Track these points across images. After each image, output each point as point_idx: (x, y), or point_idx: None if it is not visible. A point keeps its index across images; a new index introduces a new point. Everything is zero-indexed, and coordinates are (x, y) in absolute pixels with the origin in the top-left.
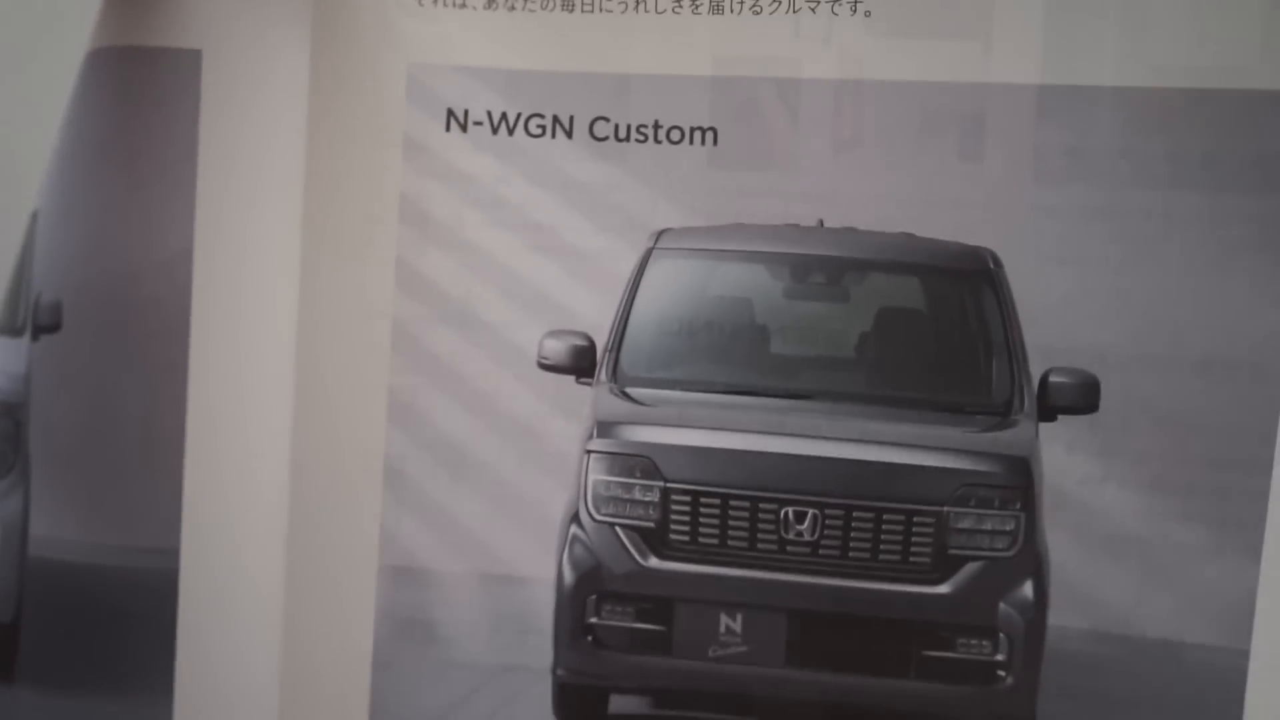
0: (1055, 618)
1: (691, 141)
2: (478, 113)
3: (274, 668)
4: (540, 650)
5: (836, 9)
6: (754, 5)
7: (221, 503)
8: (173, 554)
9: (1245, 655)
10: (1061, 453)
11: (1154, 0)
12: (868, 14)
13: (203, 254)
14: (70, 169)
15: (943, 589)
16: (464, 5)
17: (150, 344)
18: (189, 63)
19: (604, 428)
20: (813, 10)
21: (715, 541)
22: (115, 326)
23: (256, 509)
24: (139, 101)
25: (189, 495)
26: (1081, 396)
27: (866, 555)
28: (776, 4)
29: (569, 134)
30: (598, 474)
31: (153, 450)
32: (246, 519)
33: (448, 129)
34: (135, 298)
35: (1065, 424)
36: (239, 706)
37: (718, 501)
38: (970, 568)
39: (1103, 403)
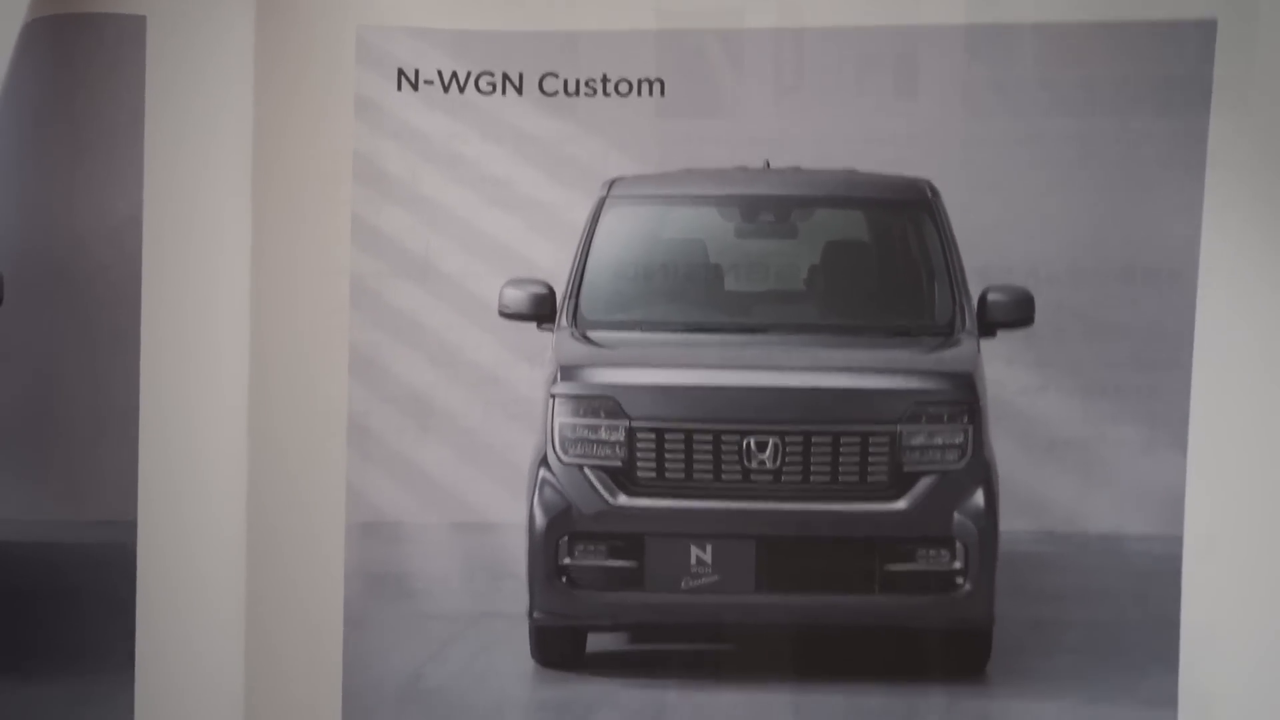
0: (1006, 523)
1: (640, 93)
2: (428, 72)
3: (239, 637)
4: (515, 595)
5: None
6: None
7: (179, 470)
8: (129, 526)
9: (1179, 542)
10: (1002, 366)
11: None
12: None
13: (152, 220)
14: (11, 141)
15: (900, 504)
16: None
17: (100, 313)
18: (133, 28)
19: (567, 371)
20: None
21: (681, 475)
22: (63, 297)
23: (215, 475)
24: (83, 69)
25: (144, 465)
26: (1017, 311)
27: (826, 478)
28: None
29: (519, 90)
30: (563, 417)
31: (105, 421)
32: (205, 486)
33: (399, 88)
34: (83, 267)
35: (1004, 339)
36: (203, 679)
37: (682, 436)
38: (924, 482)
39: (1037, 316)
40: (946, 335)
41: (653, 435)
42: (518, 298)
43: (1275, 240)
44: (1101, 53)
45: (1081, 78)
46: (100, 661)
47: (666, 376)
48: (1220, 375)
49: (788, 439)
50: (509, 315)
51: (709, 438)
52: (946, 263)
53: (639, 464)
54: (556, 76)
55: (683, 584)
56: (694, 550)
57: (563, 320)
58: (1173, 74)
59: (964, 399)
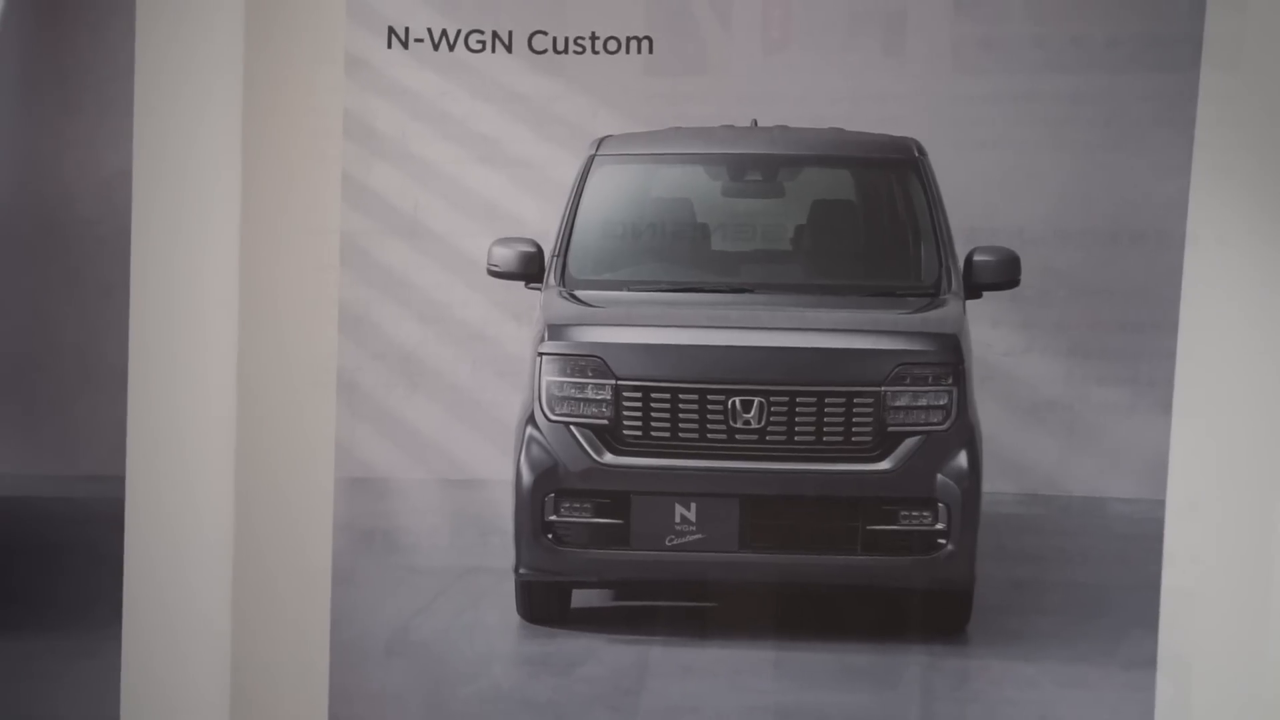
0: (989, 484)
1: (628, 51)
2: (418, 30)
3: (226, 591)
4: (502, 551)
5: None
6: None
7: (167, 425)
8: (118, 481)
9: (1161, 505)
10: (987, 327)
11: None
12: None
13: (142, 175)
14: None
15: (884, 465)
16: None
17: (89, 268)
18: None
19: (555, 330)
20: None
21: (667, 434)
22: (52, 253)
23: (204, 430)
24: (71, 22)
25: (133, 419)
26: (1004, 272)
27: (811, 438)
28: None
29: (508, 48)
30: (551, 375)
31: (94, 375)
32: (194, 441)
33: (389, 46)
34: (71, 220)
35: (989, 299)
36: (190, 634)
37: (668, 395)
38: (908, 443)
39: (1023, 277)
40: (932, 296)
41: (639, 394)
42: (506, 256)
43: (1264, 201)
44: (1092, 9)
45: (1072, 35)
46: (89, 615)
47: (653, 336)
48: (1206, 338)
49: (773, 399)
50: (497, 274)
51: (694, 397)
52: (933, 223)
53: (625, 422)
54: (546, 34)
55: (667, 541)
56: (678, 508)
57: (550, 279)
58: (1164, 31)
59: (949, 360)
